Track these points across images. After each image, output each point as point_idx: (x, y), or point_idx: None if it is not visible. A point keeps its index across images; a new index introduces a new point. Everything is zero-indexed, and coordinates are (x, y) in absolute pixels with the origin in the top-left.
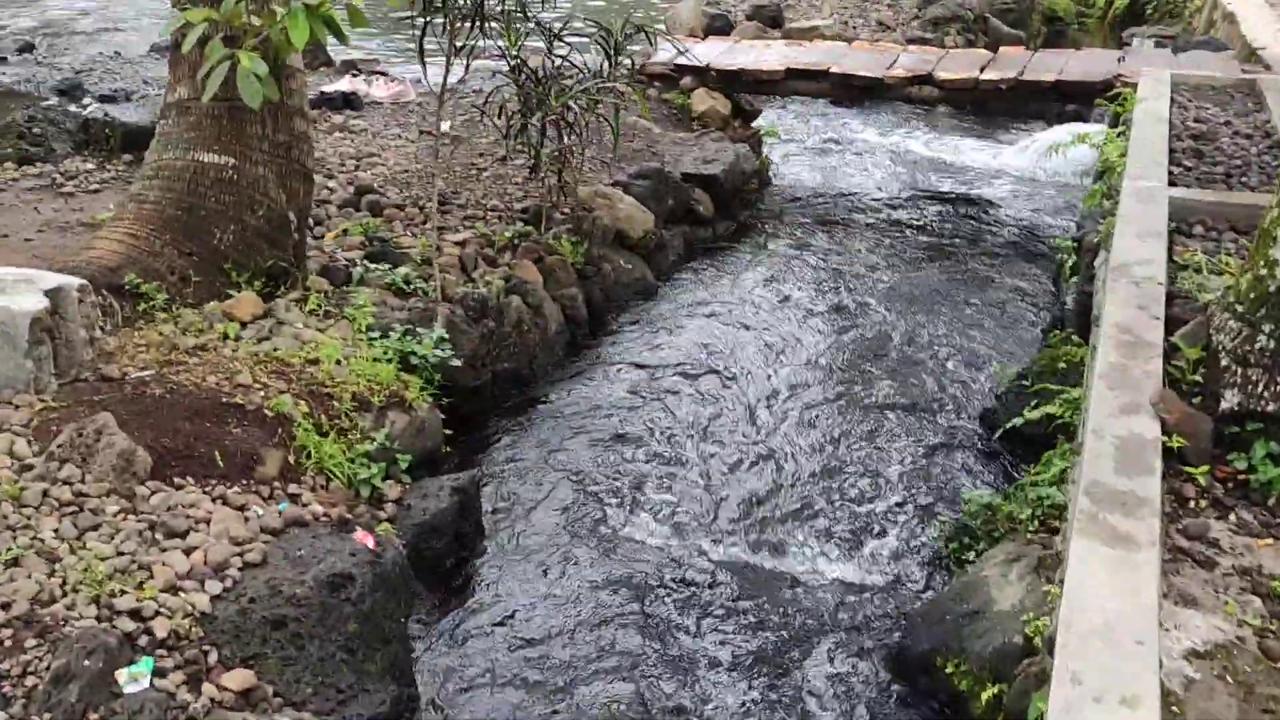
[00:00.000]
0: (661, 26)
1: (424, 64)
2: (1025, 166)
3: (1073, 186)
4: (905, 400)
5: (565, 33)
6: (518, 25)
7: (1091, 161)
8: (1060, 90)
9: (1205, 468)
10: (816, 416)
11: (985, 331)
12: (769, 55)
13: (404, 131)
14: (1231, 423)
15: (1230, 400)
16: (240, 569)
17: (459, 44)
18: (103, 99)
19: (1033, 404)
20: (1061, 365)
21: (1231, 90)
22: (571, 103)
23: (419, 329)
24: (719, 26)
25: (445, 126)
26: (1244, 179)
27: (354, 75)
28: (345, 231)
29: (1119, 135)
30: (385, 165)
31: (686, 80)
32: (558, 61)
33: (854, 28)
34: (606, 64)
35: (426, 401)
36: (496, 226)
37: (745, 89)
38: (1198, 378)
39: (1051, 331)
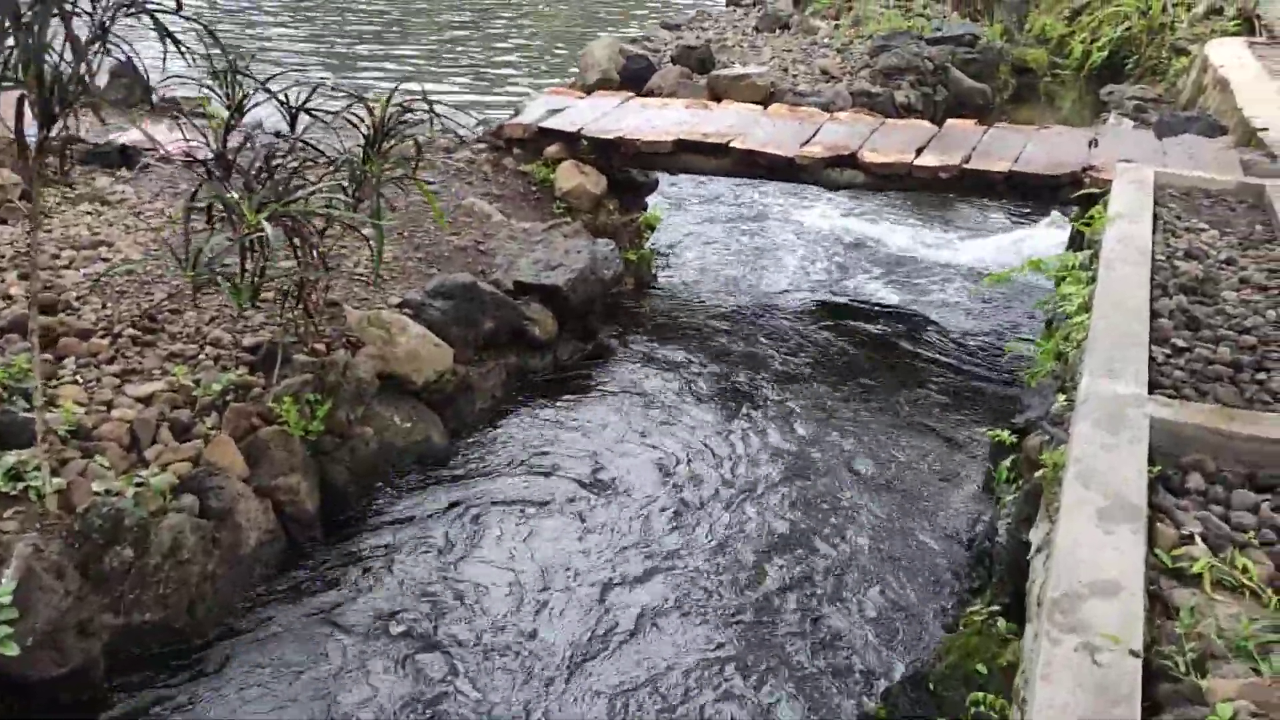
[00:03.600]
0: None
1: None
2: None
3: (1042, 290)
4: (760, 692)
5: (313, 105)
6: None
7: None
8: (1014, 184)
9: None
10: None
11: (886, 564)
12: (662, 120)
13: (174, 205)
14: None
15: None
16: None
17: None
18: None
19: None
20: (979, 668)
21: (1233, 201)
22: (306, 206)
23: None
24: (638, 70)
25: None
26: (1262, 378)
27: (175, 118)
28: None
29: (1083, 269)
30: (112, 260)
31: (553, 149)
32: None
33: (794, 76)
34: (369, 146)
35: None
36: (208, 373)
37: (626, 162)
38: None
39: (972, 594)
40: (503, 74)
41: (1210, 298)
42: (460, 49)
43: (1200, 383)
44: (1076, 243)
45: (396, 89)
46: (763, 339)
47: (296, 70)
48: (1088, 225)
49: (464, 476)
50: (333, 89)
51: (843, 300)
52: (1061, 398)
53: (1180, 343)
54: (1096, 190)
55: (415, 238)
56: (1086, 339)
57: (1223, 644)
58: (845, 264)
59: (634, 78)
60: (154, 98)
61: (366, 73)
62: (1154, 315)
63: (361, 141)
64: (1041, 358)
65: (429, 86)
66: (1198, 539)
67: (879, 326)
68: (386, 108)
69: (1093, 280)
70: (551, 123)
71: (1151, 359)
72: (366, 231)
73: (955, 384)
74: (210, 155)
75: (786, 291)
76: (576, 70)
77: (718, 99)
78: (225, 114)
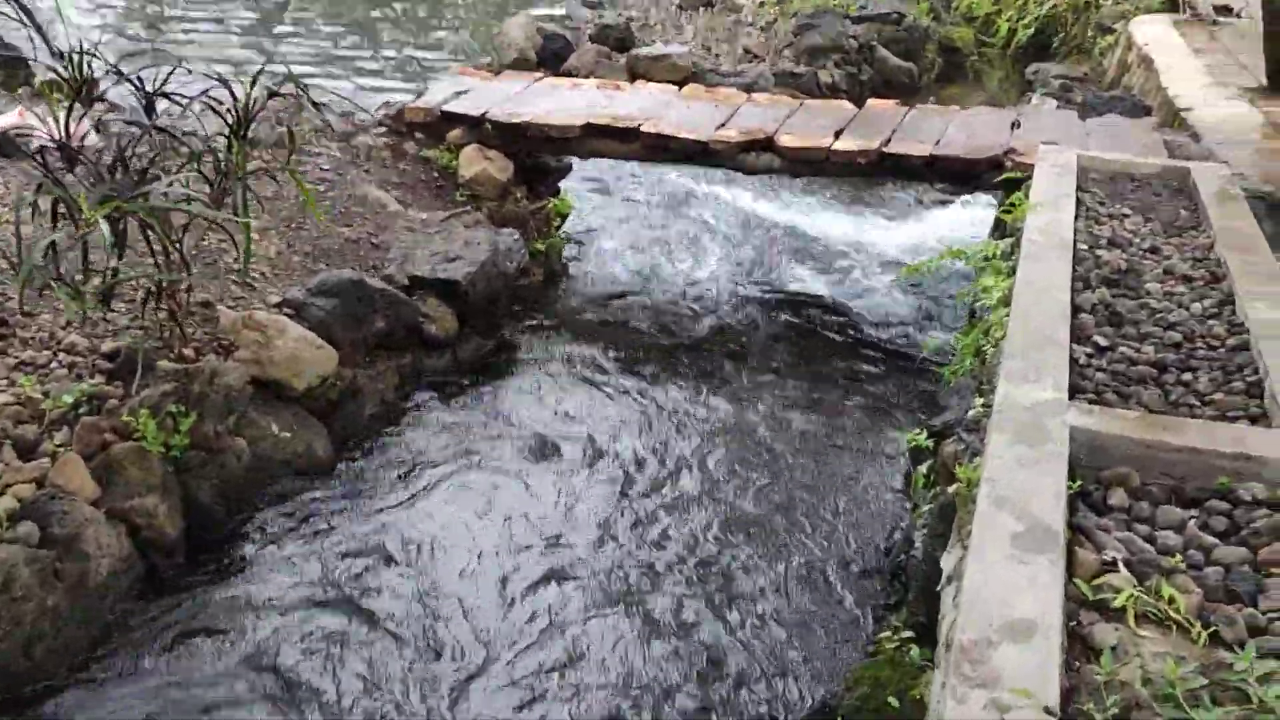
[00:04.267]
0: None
1: None
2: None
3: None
4: None
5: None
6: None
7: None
8: (935, 168)
9: None
10: None
11: (799, 575)
12: (571, 102)
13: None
14: None
15: None
16: None
17: None
18: None
19: None
20: (891, 700)
21: (1158, 185)
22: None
23: None
24: (556, 49)
25: None
26: (1188, 378)
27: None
28: None
29: (1003, 259)
30: None
31: (456, 133)
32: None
33: (716, 55)
34: (233, 134)
35: None
36: (59, 384)
37: (533, 147)
38: None
39: (889, 610)
40: (429, 56)
41: (1134, 290)
42: (386, 29)
43: (1123, 385)
44: (999, 230)
45: (263, 70)
46: (678, 332)
47: (211, 54)
48: (1009, 213)
49: (349, 489)
50: (189, 71)
51: (764, 288)
52: (979, 401)
53: (1102, 341)
54: (1019, 175)
55: (302, 230)
56: (1005, 337)
57: (1148, 693)
58: (768, 248)
59: (552, 57)
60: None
61: (288, 52)
62: (1076, 310)
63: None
64: (961, 353)
65: (350, 69)
66: (1121, 565)
67: (802, 316)
68: (252, 90)
69: (1013, 271)
70: (455, 105)
71: (1073, 360)
72: (234, 227)
73: (879, 376)
74: (52, 144)
75: (705, 280)
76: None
77: (638, 79)
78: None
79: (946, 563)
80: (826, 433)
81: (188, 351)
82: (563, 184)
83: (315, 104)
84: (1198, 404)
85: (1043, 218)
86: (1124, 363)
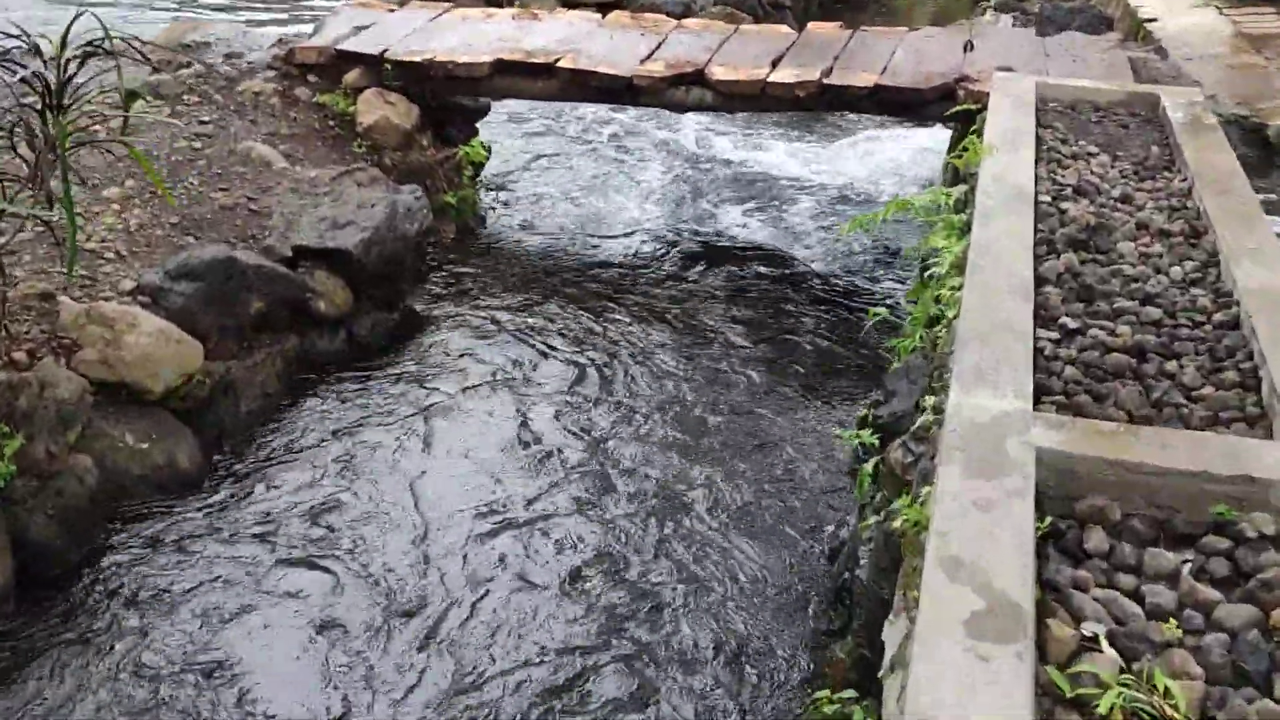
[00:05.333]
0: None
1: None
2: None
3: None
4: None
5: None
6: None
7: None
8: (881, 100)
9: None
10: None
11: (735, 581)
12: (481, 36)
13: None
14: None
15: None
16: None
17: None
18: None
19: None
20: None
21: (1124, 114)
22: None
23: None
24: None
25: None
26: (1171, 368)
27: None
28: None
29: (956, 211)
30: None
31: (353, 75)
32: None
33: None
34: (46, 102)
35: None
36: None
37: (438, 88)
38: None
39: (830, 636)
40: None
41: (1104, 254)
42: None
43: (1097, 381)
44: (952, 174)
45: (76, 19)
46: (608, 292)
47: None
48: (960, 158)
49: (219, 502)
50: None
51: (702, 238)
52: (930, 402)
53: (1071, 323)
54: (973, 107)
55: (172, 196)
56: (958, 317)
57: None
58: (707, 189)
59: None
60: None
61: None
62: (1039, 282)
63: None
64: (911, 324)
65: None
66: (1103, 642)
67: (743, 270)
68: (64, 50)
69: (967, 228)
70: (351, 43)
71: (1037, 350)
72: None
73: (827, 341)
74: None
75: (637, 229)
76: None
77: (567, 5)
78: None
79: (890, 636)
80: (771, 404)
81: (19, 356)
82: (486, 121)
83: (145, 59)
84: (1185, 402)
85: (999, 164)
86: (1097, 349)
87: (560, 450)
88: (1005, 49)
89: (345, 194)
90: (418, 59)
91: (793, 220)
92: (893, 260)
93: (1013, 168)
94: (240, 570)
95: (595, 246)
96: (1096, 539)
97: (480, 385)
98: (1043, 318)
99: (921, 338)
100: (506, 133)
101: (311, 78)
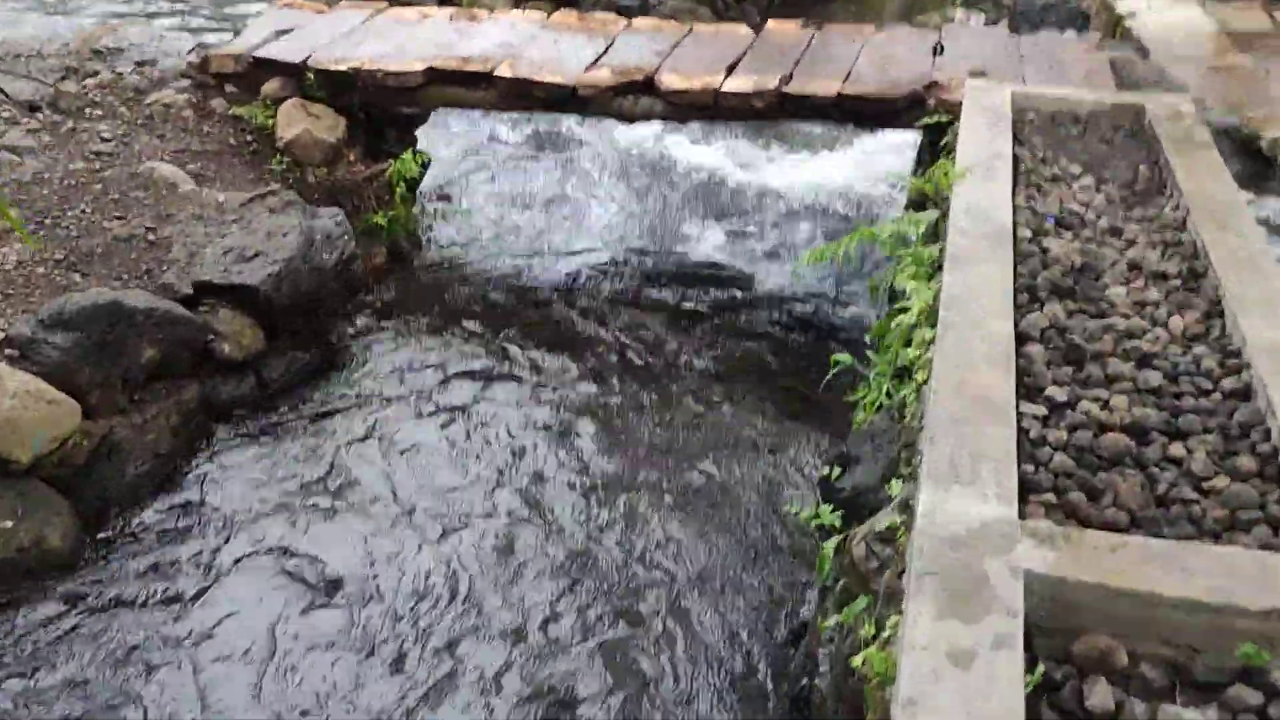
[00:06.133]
0: None
1: None
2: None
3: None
4: None
5: None
6: None
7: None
8: (845, 109)
9: None
10: None
11: (681, 670)
12: (415, 40)
13: None
14: None
15: None
16: None
17: None
18: None
19: None
20: None
21: (1107, 126)
22: None
23: None
24: None
25: None
26: (1177, 452)
27: None
28: None
29: (925, 243)
30: None
31: (273, 85)
32: None
33: None
34: None
35: None
36: None
37: (367, 98)
38: None
39: None
40: None
41: (1093, 301)
42: None
43: (1092, 472)
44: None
45: None
46: (552, 323)
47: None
48: (929, 182)
49: (96, 586)
50: None
51: (658, 257)
52: (897, 492)
53: (1059, 394)
54: (943, 119)
55: (60, 226)
56: (927, 391)
57: None
58: (669, 201)
59: None
60: None
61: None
62: (1021, 340)
63: None
64: (875, 380)
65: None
66: None
67: (704, 294)
68: None
69: (937, 268)
70: (272, 50)
71: (1022, 430)
72: None
73: (791, 379)
74: None
75: (589, 249)
76: None
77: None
78: None
79: None
80: (728, 454)
81: None
82: (431, 124)
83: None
84: (1195, 496)
85: (972, 193)
86: (1090, 428)
87: (494, 512)
88: (977, 51)
89: (255, 221)
90: (343, 67)
91: (763, 232)
92: (870, 274)
93: (988, 197)
94: (108, 675)
95: (541, 269)
96: (1100, 694)
97: (407, 433)
98: (1026, 386)
99: (889, 394)
100: (448, 138)
101: (229, 88)
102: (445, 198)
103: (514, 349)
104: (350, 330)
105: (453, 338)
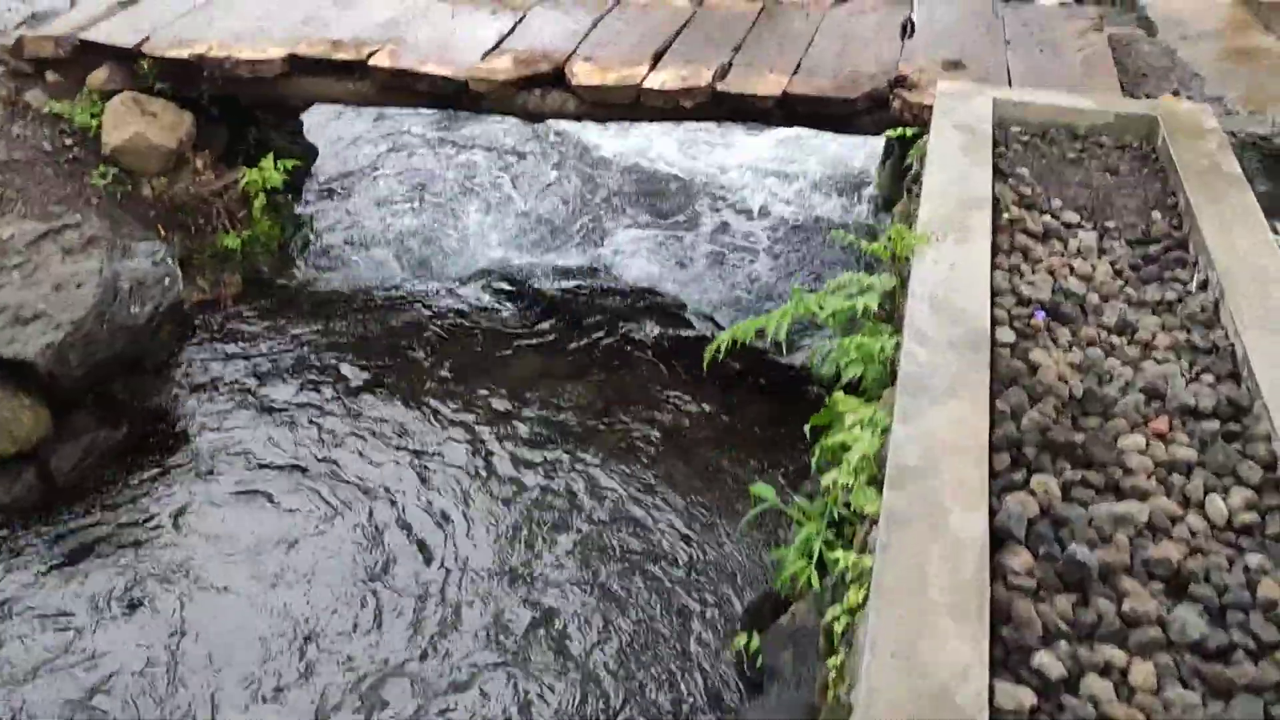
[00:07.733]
0: None
1: None
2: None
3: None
4: None
5: None
6: None
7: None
8: (792, 110)
9: None
10: None
11: None
12: (276, 18)
13: None
14: None
15: None
16: None
17: None
18: None
19: None
20: None
21: (1112, 146)
22: None
23: None
24: None
25: None
26: None
27: None
28: None
29: (873, 336)
30: None
31: (100, 74)
32: None
33: None
34: None
35: None
36: None
37: (218, 91)
38: None
39: None
40: None
41: (1100, 464)
42: None
43: None
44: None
45: None
46: (445, 364)
47: None
48: (884, 249)
49: None
50: None
51: (575, 280)
52: None
53: (1053, 666)
54: (909, 131)
55: None
56: (865, 652)
57: None
58: (589, 199)
59: None
60: None
61: None
62: (998, 543)
63: None
64: (800, 543)
65: None
66: None
67: (630, 326)
68: None
69: (892, 376)
70: (100, 30)
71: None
72: None
73: (729, 444)
74: None
75: (495, 267)
76: None
77: None
78: None
79: None
80: (641, 537)
81: None
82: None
83: None
84: None
85: (938, 267)
86: None
87: (353, 630)
88: (954, 32)
89: (43, 268)
90: (185, 54)
91: (694, 242)
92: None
93: (959, 275)
94: None
95: (434, 290)
96: None
97: (244, 525)
98: (1006, 645)
99: (819, 567)
100: (348, 117)
101: (51, 77)
102: (329, 194)
103: (383, 403)
104: (180, 388)
105: (313, 383)
